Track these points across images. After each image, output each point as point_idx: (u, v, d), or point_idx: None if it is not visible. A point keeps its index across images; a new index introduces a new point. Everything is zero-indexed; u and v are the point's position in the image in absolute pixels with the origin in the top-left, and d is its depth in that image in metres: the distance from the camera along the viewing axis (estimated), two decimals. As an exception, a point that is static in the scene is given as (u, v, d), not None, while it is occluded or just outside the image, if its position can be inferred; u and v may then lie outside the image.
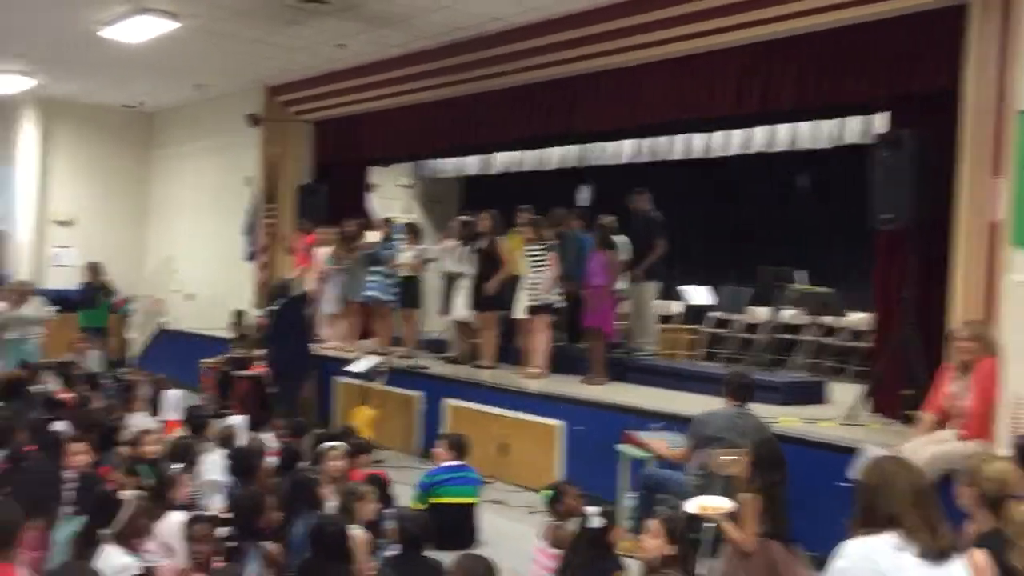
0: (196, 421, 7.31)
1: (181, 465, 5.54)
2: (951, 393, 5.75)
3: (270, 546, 4.54)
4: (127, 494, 4.53)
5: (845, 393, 8.35)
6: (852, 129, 10.19)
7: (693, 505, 4.71)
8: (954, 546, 2.86)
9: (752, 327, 11.52)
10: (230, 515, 5.09)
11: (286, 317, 9.81)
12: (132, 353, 14.88)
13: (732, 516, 4.68)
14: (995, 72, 6.43)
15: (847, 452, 6.20)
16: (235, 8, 9.89)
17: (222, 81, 13.59)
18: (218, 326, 13.46)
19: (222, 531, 4.84)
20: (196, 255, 15.41)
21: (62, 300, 14.77)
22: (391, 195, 15.76)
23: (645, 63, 9.13)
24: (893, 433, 6.68)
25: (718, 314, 11.83)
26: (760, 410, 6.86)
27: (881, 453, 5.64)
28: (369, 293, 10.98)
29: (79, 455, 6.02)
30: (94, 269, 13.78)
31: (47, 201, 15.93)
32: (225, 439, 7.00)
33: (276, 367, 10.00)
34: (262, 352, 10.74)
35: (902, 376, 7.10)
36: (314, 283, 11.77)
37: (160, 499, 5.22)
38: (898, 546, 2.76)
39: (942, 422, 5.84)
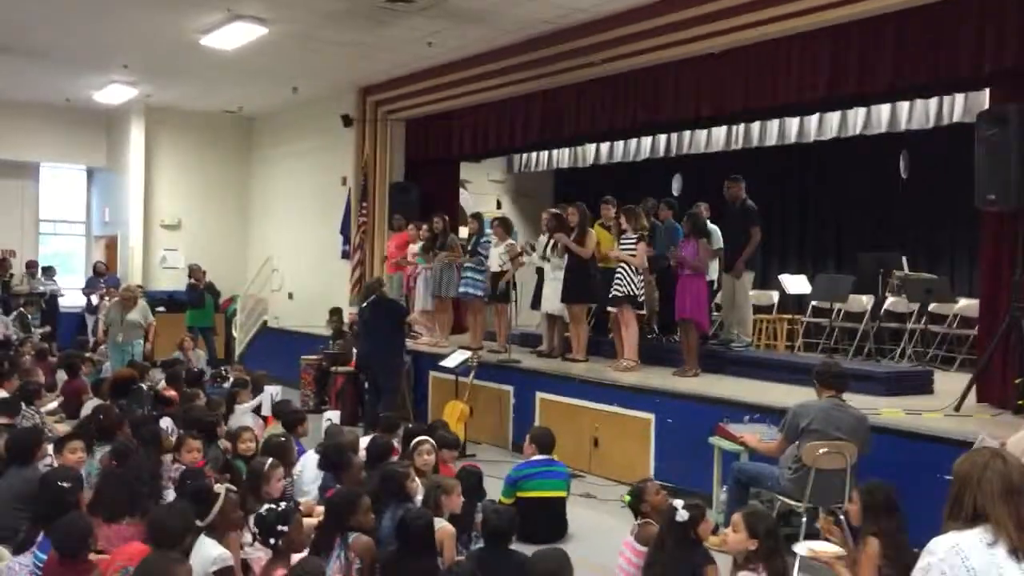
0: (287, 417, 7.48)
1: (272, 460, 5.64)
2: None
3: (360, 538, 4.57)
4: (220, 488, 4.64)
5: (953, 383, 7.98)
6: (955, 108, 9.72)
7: (803, 548, 4.49)
8: None
9: (853, 316, 11.15)
10: (323, 511, 5.16)
11: (378, 313, 9.93)
12: (236, 351, 15.35)
13: (847, 560, 4.45)
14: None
15: (953, 444, 5.94)
16: (324, 12, 10.08)
17: (316, 84, 13.89)
18: (317, 323, 13.78)
19: (310, 523, 4.92)
20: (295, 254, 15.80)
21: (170, 301, 15.42)
22: (483, 191, 15.85)
23: (733, 48, 8.90)
24: (1004, 424, 6.36)
25: (817, 303, 11.48)
26: (863, 401, 6.65)
27: (991, 444, 5.39)
28: (463, 290, 11.09)
29: (191, 452, 6.26)
30: (197, 270, 14.30)
31: (154, 205, 16.59)
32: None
33: (366, 363, 10.13)
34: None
35: (1013, 363, 6.76)
36: (407, 279, 11.97)
37: (254, 493, 5.35)
38: (990, 542, 2.61)
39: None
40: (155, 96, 15.44)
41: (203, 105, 16.20)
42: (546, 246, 10.32)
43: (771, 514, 4.49)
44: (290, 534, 4.41)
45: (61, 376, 10.68)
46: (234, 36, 10.98)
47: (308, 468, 6.62)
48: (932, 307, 10.39)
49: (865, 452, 5.91)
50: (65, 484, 4.67)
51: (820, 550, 4.47)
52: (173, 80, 14.13)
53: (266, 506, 4.49)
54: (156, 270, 16.55)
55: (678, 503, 4.53)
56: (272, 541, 4.40)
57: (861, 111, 10.57)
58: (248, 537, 4.94)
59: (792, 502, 5.93)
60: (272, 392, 9.18)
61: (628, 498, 5.35)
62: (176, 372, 9.92)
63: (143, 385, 9.66)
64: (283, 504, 4.53)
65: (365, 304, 9.99)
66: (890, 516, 4.41)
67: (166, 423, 7.66)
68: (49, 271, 16.33)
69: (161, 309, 15.17)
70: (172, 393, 9.15)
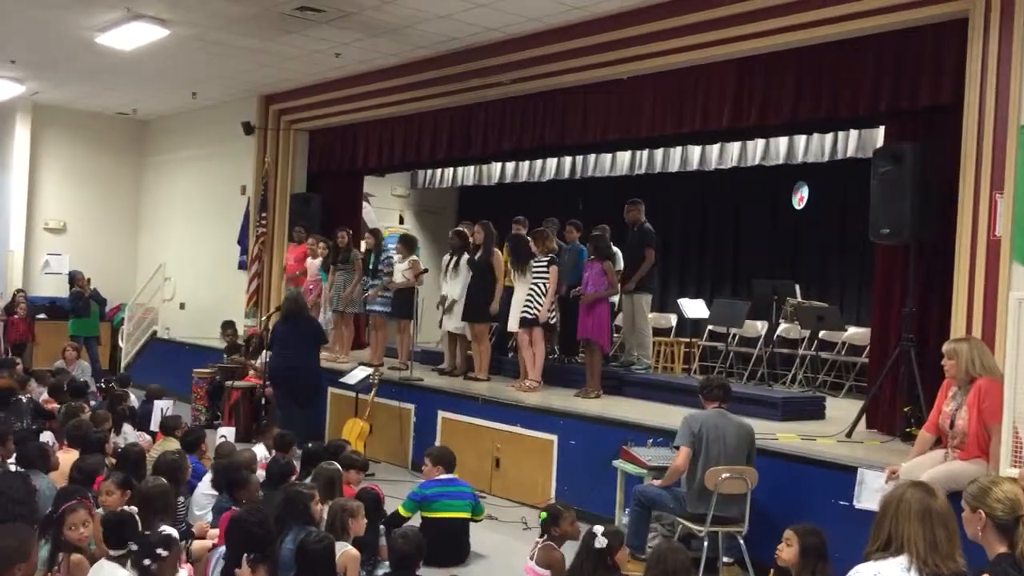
0: (186, 436, 7.20)
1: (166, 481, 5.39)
2: (946, 412, 5.62)
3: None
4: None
5: (843, 409, 8.26)
6: (849, 143, 10.13)
7: None
8: (962, 571, 2.76)
9: (748, 341, 11.43)
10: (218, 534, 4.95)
11: (297, 331, 9.51)
12: (123, 362, 14.74)
13: None
14: (996, 86, 6.37)
15: (845, 470, 6.12)
16: (229, 16, 9.81)
17: (216, 89, 13.51)
18: (211, 335, 13.35)
19: (204, 545, 4.72)
20: (189, 264, 15.29)
21: (53, 308, 14.72)
22: (386, 205, 15.69)
23: (641, 75, 9.05)
24: (892, 451, 6.59)
25: (714, 327, 11.73)
26: (760, 426, 6.83)
27: (877, 475, 5.56)
28: (370, 307, 10.99)
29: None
30: (80, 277, 13.65)
31: (38, 208, 15.83)
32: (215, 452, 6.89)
33: (279, 379, 9.68)
34: (257, 363, 10.66)
35: (902, 393, 7.02)
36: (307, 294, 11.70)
37: (155, 515, 5.07)
38: (907, 568, 2.67)
39: (940, 441, 5.73)
40: (44, 94, 14.76)
41: (95, 105, 15.56)
42: (448, 264, 10.28)
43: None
44: (166, 561, 4.17)
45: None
46: (132, 36, 10.58)
47: (201, 487, 6.37)
48: (822, 334, 10.73)
49: (752, 456, 6.13)
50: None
51: None
52: (64, 78, 13.53)
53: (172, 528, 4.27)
54: (38, 275, 15.78)
55: (598, 529, 4.54)
56: (147, 562, 4.15)
57: (761, 142, 10.90)
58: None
59: (693, 525, 6.01)
60: (162, 406, 8.81)
61: (544, 515, 5.32)
62: (59, 383, 9.45)
63: (22, 397, 9.17)
64: (167, 529, 4.32)
65: (284, 320, 9.56)
66: (824, 562, 4.31)
67: (47, 437, 7.28)
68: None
69: (42, 316, 14.51)
70: (54, 406, 8.72)
